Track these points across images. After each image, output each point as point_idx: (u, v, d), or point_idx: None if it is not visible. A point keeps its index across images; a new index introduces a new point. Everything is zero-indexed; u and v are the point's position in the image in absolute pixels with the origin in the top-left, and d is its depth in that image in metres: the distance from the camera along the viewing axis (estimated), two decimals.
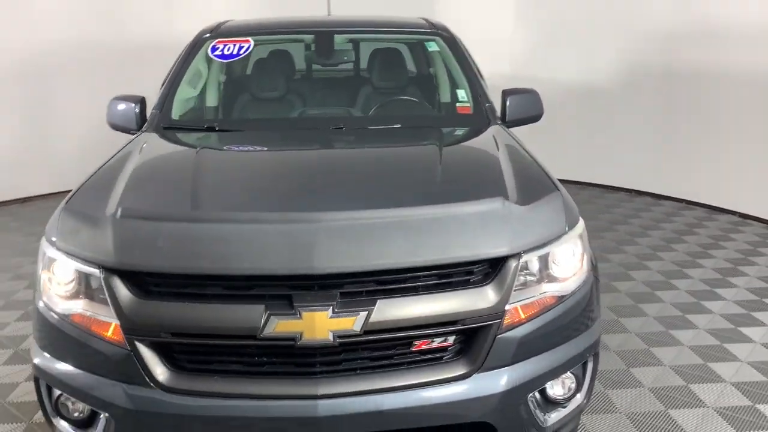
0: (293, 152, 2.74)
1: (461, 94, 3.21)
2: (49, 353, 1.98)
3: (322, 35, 3.49)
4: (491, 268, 1.92)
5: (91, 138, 5.66)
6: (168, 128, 2.90)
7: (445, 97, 3.25)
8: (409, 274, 1.85)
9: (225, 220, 1.91)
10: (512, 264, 1.92)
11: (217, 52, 3.31)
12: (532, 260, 1.98)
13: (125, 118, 2.95)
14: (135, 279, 1.85)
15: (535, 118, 3.26)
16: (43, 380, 2.01)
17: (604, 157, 6.76)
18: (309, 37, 3.56)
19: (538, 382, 1.99)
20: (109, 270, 1.85)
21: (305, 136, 2.91)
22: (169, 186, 2.24)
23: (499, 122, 3.03)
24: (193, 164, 2.41)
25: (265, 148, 2.85)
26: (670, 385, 3.06)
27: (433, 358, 1.91)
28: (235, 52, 3.33)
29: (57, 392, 2.00)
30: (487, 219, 1.95)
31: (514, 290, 1.93)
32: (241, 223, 1.89)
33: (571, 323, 2.08)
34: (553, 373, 2.03)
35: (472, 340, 1.90)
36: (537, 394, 2.03)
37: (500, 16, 7.09)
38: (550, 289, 2.02)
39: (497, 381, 1.91)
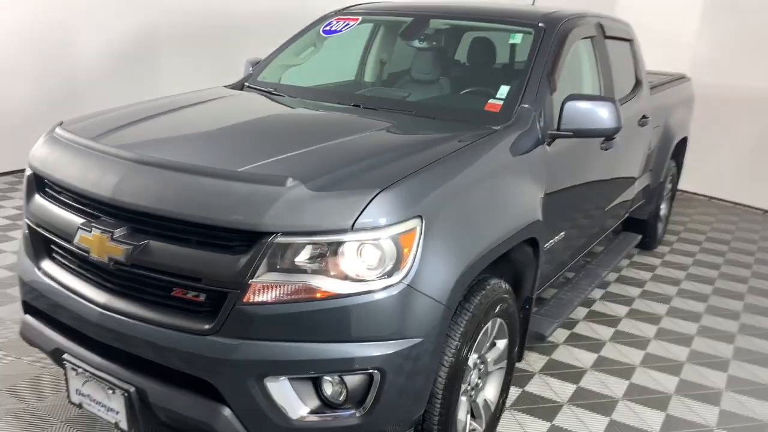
0: (268, 116, 2.95)
1: (503, 91, 2.93)
2: None
3: (420, 19, 3.52)
4: (247, 241, 1.94)
5: None
6: (248, 86, 3.38)
7: (490, 92, 3.00)
8: (179, 225, 2.02)
9: (106, 152, 2.32)
10: (266, 241, 1.90)
11: (327, 27, 3.66)
12: (297, 246, 1.92)
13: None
14: (41, 181, 2.44)
15: (605, 132, 2.82)
16: None
17: None
18: (410, 20, 3.60)
19: (278, 367, 1.95)
20: (34, 171, 2.47)
21: (315, 107, 3.06)
22: (143, 123, 2.70)
23: (541, 128, 2.81)
24: (184, 111, 2.86)
25: (261, 109, 3.05)
26: None
27: (185, 309, 2.04)
28: (339, 29, 3.63)
29: None
30: (263, 195, 1.96)
31: (272, 270, 1.92)
32: (112, 157, 2.27)
33: (344, 325, 1.94)
34: (303, 367, 1.95)
35: (218, 304, 1.97)
36: (287, 383, 1.98)
37: (684, 19, 6.69)
38: (314, 281, 1.93)
39: (227, 348, 1.95)
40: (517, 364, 3.38)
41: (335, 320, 1.94)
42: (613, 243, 4.61)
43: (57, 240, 2.31)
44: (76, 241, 2.17)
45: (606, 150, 3.54)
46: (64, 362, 2.26)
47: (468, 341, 2.28)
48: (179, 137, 2.53)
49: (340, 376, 1.98)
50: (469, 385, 2.50)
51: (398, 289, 1.97)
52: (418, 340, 2.02)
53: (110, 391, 2.13)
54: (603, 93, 3.64)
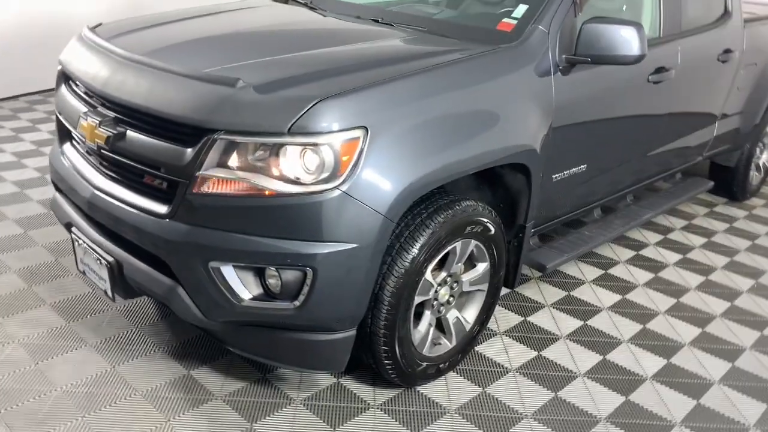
0: (274, 25, 3.02)
1: (520, 9, 2.81)
2: None
3: None
4: (196, 136, 2.10)
5: None
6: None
7: (512, 11, 2.88)
8: (147, 117, 2.23)
9: (107, 50, 2.54)
10: (212, 137, 2.06)
11: None
12: (239, 144, 2.05)
13: None
14: (65, 76, 2.74)
15: (626, 59, 2.67)
16: None
17: None
18: None
19: (219, 253, 2.13)
20: (61, 66, 2.77)
21: (330, 20, 3.08)
22: (158, 27, 2.91)
23: (556, 53, 2.71)
24: (203, 19, 3.02)
25: (274, 19, 3.11)
26: None
27: (152, 194, 2.26)
28: None
29: None
30: (212, 94, 2.10)
31: (216, 165, 2.07)
32: (109, 55, 2.50)
33: (280, 223, 2.08)
34: (241, 256, 2.12)
35: (175, 191, 2.17)
36: (231, 269, 2.16)
37: None
38: (254, 179, 2.06)
39: (178, 232, 2.15)
40: (528, 294, 3.39)
41: (272, 217, 2.08)
42: (675, 186, 4.32)
43: (70, 127, 2.61)
44: (77, 128, 2.45)
45: (657, 83, 3.31)
46: (72, 234, 2.60)
47: (424, 255, 2.33)
48: (179, 42, 2.70)
49: (276, 268, 2.13)
50: (436, 300, 2.56)
51: (334, 194, 2.05)
52: (353, 245, 2.11)
53: (98, 262, 2.43)
54: (662, 17, 3.36)
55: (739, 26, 4.02)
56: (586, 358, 2.97)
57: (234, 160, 2.07)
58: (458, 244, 2.50)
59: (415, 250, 2.30)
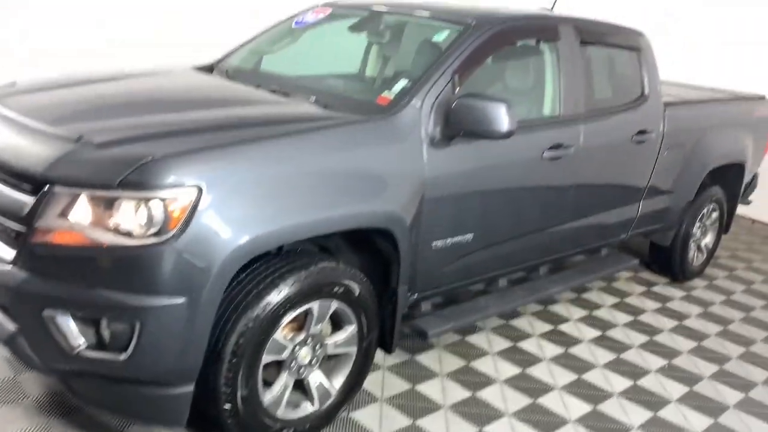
0: (171, 91, 3.15)
1: (399, 84, 2.94)
2: None
3: (371, 15, 3.61)
4: (37, 187, 2.20)
5: None
6: (200, 68, 3.62)
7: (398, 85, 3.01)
8: (5, 167, 2.35)
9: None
10: (49, 189, 2.17)
11: (299, 18, 3.86)
12: (74, 196, 2.15)
13: None
14: None
15: (495, 134, 2.78)
16: None
17: None
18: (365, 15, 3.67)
19: (53, 302, 2.19)
20: None
21: (228, 87, 3.24)
22: (57, 91, 3.03)
23: (429, 127, 2.82)
24: (103, 83, 3.16)
25: (171, 85, 3.26)
26: None
27: (3, 240, 2.35)
28: (308, 20, 3.81)
29: None
30: (52, 148, 2.25)
31: (53, 216, 2.16)
32: None
33: (110, 274, 2.16)
34: (72, 306, 2.19)
35: (20, 239, 2.27)
36: (66, 318, 2.22)
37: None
38: (87, 231, 2.15)
39: (16, 277, 2.23)
40: (425, 362, 3.38)
41: (104, 269, 2.16)
42: (593, 262, 4.34)
43: None
44: None
45: (554, 160, 3.39)
46: None
47: (271, 314, 2.38)
48: (62, 103, 2.83)
49: (107, 320, 2.19)
50: (294, 360, 2.59)
51: (163, 249, 2.13)
52: (182, 299, 2.17)
53: None
54: (562, 98, 3.48)
55: (658, 109, 4.12)
56: (462, 430, 2.94)
57: (70, 213, 2.16)
58: (315, 305, 2.55)
59: (260, 308, 2.35)
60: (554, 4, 4.48)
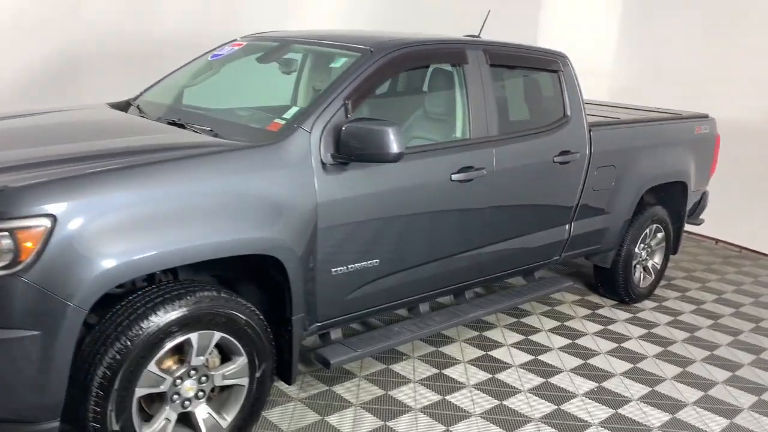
0: (68, 125, 3.18)
1: (291, 111, 2.95)
2: None
3: (282, 46, 3.65)
4: None
5: None
6: (114, 105, 3.63)
7: (290, 112, 3.02)
8: None
9: None
10: None
11: (217, 50, 3.89)
12: None
13: None
14: None
15: (384, 157, 2.78)
16: None
17: None
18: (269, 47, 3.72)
19: None
20: None
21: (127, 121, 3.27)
22: None
23: (318, 153, 2.81)
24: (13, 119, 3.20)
25: (69, 120, 3.28)
26: None
27: None
28: (223, 53, 3.84)
29: None
30: None
31: None
32: None
33: None
34: None
35: None
36: None
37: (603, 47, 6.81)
38: None
39: None
40: (341, 392, 3.32)
41: None
42: (523, 286, 4.29)
43: None
44: None
45: (464, 182, 3.37)
46: None
47: (142, 346, 2.34)
48: None
49: None
50: (177, 393, 2.54)
51: (14, 281, 2.10)
52: (35, 332, 2.13)
53: None
54: (471, 122, 3.48)
55: (581, 130, 4.11)
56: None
57: None
58: (194, 336, 2.50)
59: (127, 340, 2.31)
60: (481, 30, 4.52)
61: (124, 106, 3.63)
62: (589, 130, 4.18)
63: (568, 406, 3.44)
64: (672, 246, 5.21)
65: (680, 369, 3.98)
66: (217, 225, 2.52)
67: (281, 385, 3.32)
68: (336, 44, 3.40)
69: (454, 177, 3.33)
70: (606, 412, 3.42)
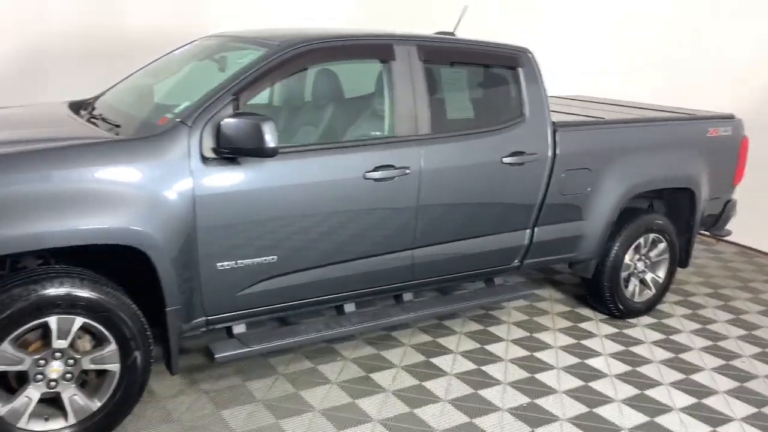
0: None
1: (182, 106, 3.00)
2: None
3: (219, 46, 3.71)
4: None
5: None
6: (73, 104, 3.80)
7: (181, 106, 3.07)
8: None
9: None
10: None
11: (176, 51, 4.04)
12: None
13: None
14: None
15: (260, 151, 2.80)
16: None
17: None
18: (212, 45, 3.76)
19: None
20: None
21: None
22: None
23: (197, 147, 2.84)
24: None
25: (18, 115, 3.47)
26: None
27: None
28: (176, 53, 3.98)
29: None
30: None
31: None
32: None
33: None
34: None
35: None
36: None
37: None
38: None
39: None
40: (257, 387, 3.33)
41: None
42: (472, 291, 4.09)
43: None
44: None
45: (382, 181, 3.29)
46: None
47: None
48: None
49: None
50: (41, 374, 2.67)
51: None
52: None
53: None
54: (394, 120, 3.38)
55: (541, 129, 3.87)
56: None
57: None
58: (52, 320, 2.62)
59: None
60: (456, 26, 4.38)
61: (82, 105, 3.83)
62: (554, 131, 3.92)
63: (480, 421, 3.26)
64: (680, 259, 4.77)
65: (637, 391, 3.65)
66: (71, 214, 2.61)
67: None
68: (255, 41, 3.41)
69: (368, 175, 3.24)
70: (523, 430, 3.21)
